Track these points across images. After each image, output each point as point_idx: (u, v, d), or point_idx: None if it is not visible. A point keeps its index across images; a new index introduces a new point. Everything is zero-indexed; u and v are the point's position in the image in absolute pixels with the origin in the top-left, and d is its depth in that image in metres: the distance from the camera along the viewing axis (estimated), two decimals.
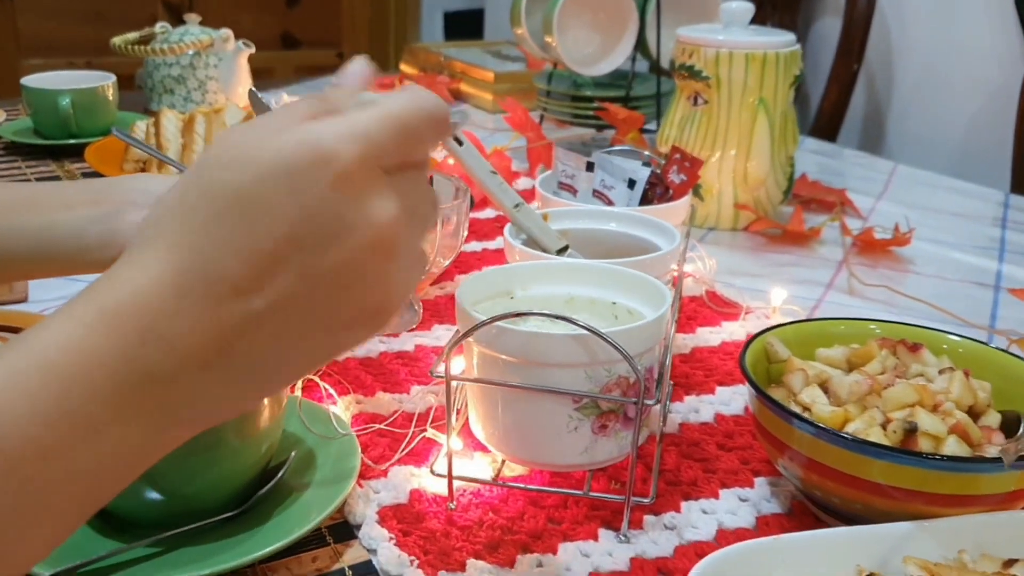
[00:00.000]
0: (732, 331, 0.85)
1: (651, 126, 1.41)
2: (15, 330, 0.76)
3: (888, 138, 1.84)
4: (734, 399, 0.73)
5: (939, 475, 0.51)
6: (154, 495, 0.53)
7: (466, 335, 0.56)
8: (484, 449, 0.61)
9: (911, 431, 0.53)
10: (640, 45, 1.38)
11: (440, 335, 0.82)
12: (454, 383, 0.58)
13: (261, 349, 0.35)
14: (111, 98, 1.38)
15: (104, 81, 1.36)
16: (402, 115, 0.36)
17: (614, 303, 0.65)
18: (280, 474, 0.57)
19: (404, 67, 2.00)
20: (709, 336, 0.84)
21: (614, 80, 1.43)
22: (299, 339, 0.36)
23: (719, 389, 0.74)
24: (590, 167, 0.84)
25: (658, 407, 0.64)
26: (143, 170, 1.16)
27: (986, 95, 1.68)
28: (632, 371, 0.55)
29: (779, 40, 1.08)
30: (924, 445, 0.53)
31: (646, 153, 0.92)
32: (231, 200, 0.34)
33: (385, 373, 0.75)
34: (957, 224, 1.20)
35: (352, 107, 0.36)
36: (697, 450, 0.66)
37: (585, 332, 0.53)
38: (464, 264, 0.97)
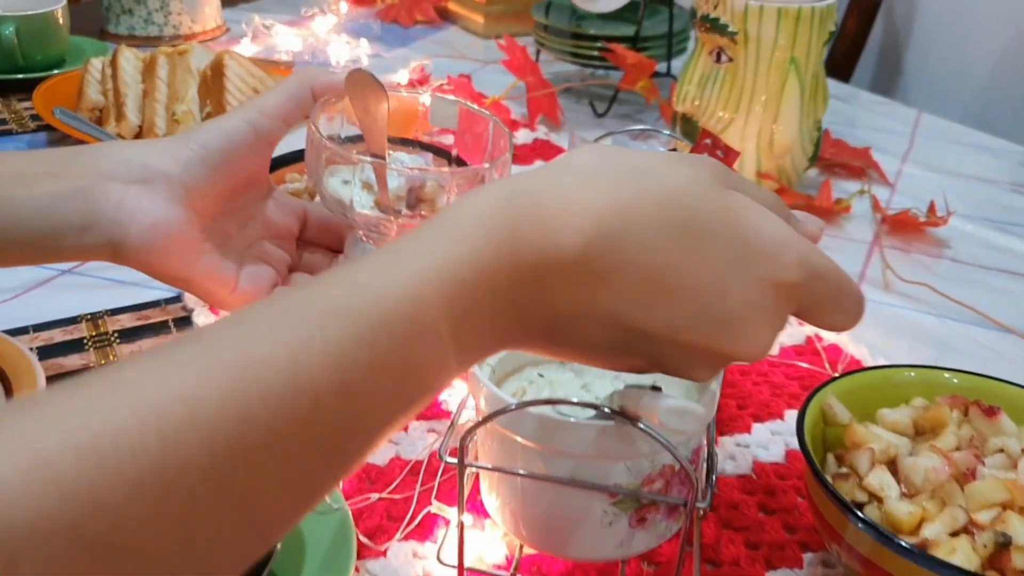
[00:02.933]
0: None
1: (660, 67, 1.29)
2: None
3: (906, 75, 1.73)
4: (773, 442, 0.65)
5: None
6: None
7: (488, 419, 0.46)
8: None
9: (1004, 545, 0.46)
10: None
11: None
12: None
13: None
14: (62, 23, 1.23)
15: (54, 5, 1.22)
16: (844, 284, 0.39)
17: None
18: (266, 571, 0.49)
19: None
20: None
21: (620, 14, 1.30)
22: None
23: (755, 427, 0.66)
24: None
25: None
26: (99, 120, 1.04)
27: (1014, 32, 1.56)
28: (678, 461, 0.46)
29: None
30: (1018, 561, 0.46)
31: (666, 132, 0.81)
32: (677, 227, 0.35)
33: None
34: (991, 193, 1.11)
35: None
36: (737, 516, 0.58)
37: (626, 421, 0.44)
38: None
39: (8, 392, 0.61)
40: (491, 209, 0.34)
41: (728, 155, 0.75)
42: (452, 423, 0.51)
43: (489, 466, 0.49)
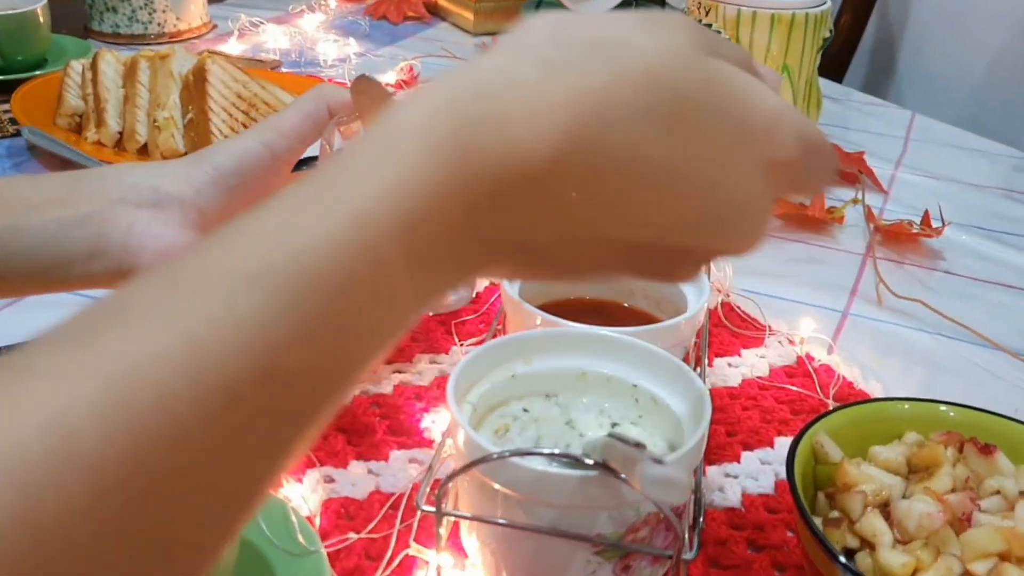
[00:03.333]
0: (753, 364, 0.75)
1: None
2: None
3: (900, 74, 1.71)
4: (763, 472, 0.63)
5: None
6: None
7: (467, 468, 0.45)
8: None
9: None
10: None
11: (423, 369, 0.71)
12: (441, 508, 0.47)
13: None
14: (43, 22, 1.21)
15: (34, 4, 1.19)
16: (825, 145, 0.33)
17: (635, 386, 0.54)
18: None
19: None
20: (728, 372, 0.74)
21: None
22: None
23: (744, 457, 0.65)
24: None
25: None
26: (79, 126, 1.01)
27: (1011, 31, 1.55)
28: (664, 513, 0.45)
29: None
30: None
31: None
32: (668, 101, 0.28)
33: (359, 431, 0.64)
34: (988, 200, 1.10)
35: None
36: (726, 554, 0.56)
37: (609, 473, 0.43)
38: None
39: None
40: (432, 117, 0.28)
41: None
42: (431, 467, 0.49)
43: (468, 515, 0.47)
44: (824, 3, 0.96)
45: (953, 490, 0.51)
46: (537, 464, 0.44)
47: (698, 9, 0.97)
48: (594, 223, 0.29)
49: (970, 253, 0.97)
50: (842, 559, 0.46)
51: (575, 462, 0.43)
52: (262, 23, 1.46)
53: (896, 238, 0.97)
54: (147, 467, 0.22)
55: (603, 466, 0.42)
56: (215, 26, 1.48)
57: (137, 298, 0.25)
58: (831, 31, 0.99)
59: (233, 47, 1.38)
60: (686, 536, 0.45)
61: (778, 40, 0.94)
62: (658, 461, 0.37)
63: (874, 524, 0.49)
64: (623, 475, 0.41)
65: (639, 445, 0.40)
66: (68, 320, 0.23)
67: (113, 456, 0.22)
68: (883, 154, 1.20)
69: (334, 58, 1.38)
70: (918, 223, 0.97)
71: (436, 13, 1.63)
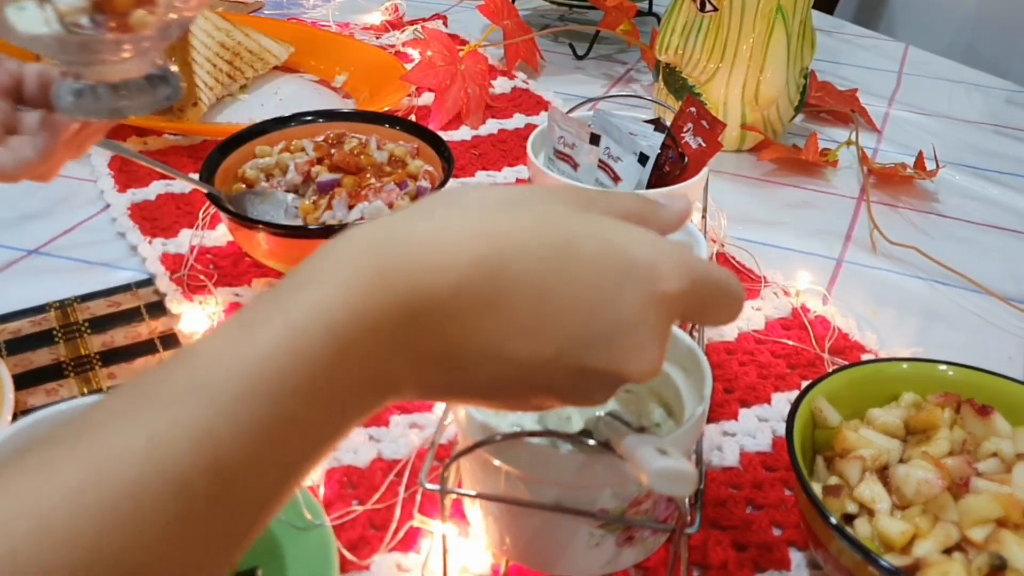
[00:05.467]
0: (750, 317, 0.75)
1: (642, 6, 1.25)
2: None
3: (892, 2, 1.68)
4: (760, 430, 0.64)
5: None
6: None
7: (472, 448, 0.45)
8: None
9: (999, 568, 0.45)
10: None
11: None
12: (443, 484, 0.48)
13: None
14: None
15: None
16: (723, 282, 0.37)
17: None
18: None
19: None
20: (724, 327, 0.74)
21: None
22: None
23: (742, 414, 0.65)
24: (595, 140, 0.70)
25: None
26: None
27: None
28: None
29: None
30: None
31: (649, 98, 0.78)
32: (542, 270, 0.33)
33: None
34: (981, 137, 1.09)
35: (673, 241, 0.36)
36: (725, 514, 0.57)
37: (613, 453, 0.43)
38: None
39: None
40: (357, 247, 0.32)
41: (713, 126, 0.72)
42: (433, 443, 0.49)
43: (472, 493, 0.48)
44: None
45: (951, 453, 0.52)
46: (540, 443, 0.44)
47: None
48: (501, 340, 0.33)
49: (963, 193, 0.97)
50: (842, 529, 0.46)
51: (578, 441, 0.44)
52: None
53: (890, 181, 0.97)
54: (114, 544, 0.26)
55: (605, 446, 0.42)
56: None
57: (112, 406, 0.29)
58: None
59: None
60: (687, 509, 0.46)
61: None
62: (662, 451, 0.37)
63: (872, 490, 0.50)
64: (624, 457, 0.41)
65: (641, 428, 0.40)
66: (64, 423, 0.28)
67: (85, 536, 0.26)
68: (876, 90, 1.19)
69: None
70: (912, 165, 0.96)
71: None
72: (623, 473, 0.44)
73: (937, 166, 0.95)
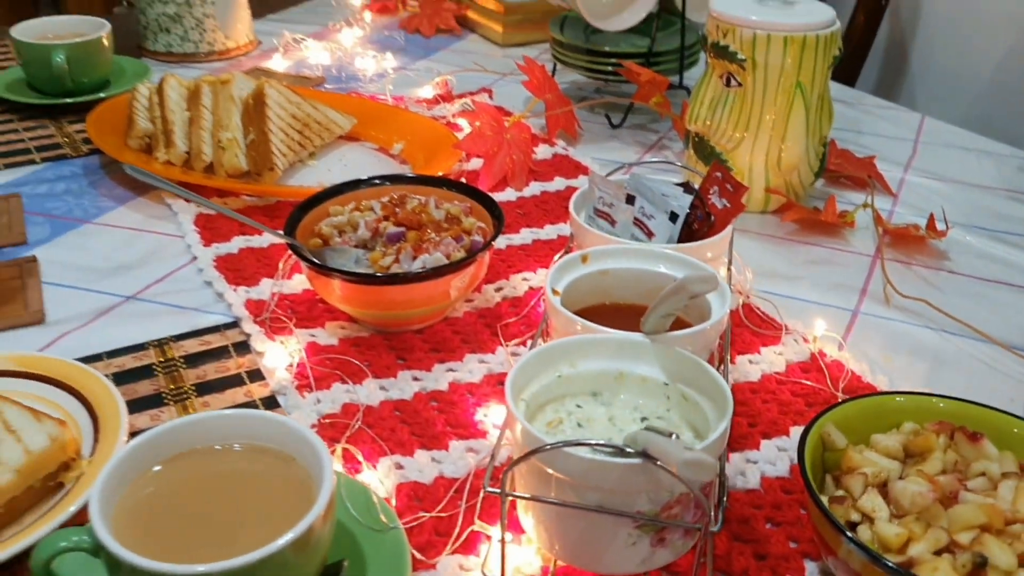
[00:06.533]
0: (772, 360, 0.83)
1: (673, 79, 1.35)
2: (35, 376, 0.73)
3: (911, 76, 1.78)
4: (779, 458, 0.72)
5: None
6: None
7: (526, 457, 0.53)
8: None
9: (981, 565, 0.52)
10: None
11: (473, 368, 0.80)
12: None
13: None
14: (107, 46, 1.30)
15: (99, 31, 1.28)
16: None
17: (666, 384, 0.62)
18: None
19: None
20: (749, 368, 0.82)
21: (633, 30, 1.35)
22: None
23: (764, 445, 0.73)
24: (631, 200, 0.79)
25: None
26: (149, 147, 1.10)
27: (1019, 34, 1.61)
28: (694, 493, 0.53)
29: (819, 20, 1.02)
30: None
31: (679, 164, 0.87)
32: None
33: (421, 423, 0.73)
34: (992, 201, 1.17)
35: None
36: (747, 530, 0.65)
37: (649, 460, 0.51)
38: (510, 260, 0.93)
39: (95, 420, 0.69)
40: None
41: (737, 189, 0.81)
42: (492, 456, 0.58)
43: (528, 496, 0.56)
44: (833, 24, 1.03)
45: (943, 472, 0.59)
46: (586, 453, 0.53)
47: (716, 31, 1.04)
48: None
49: (975, 253, 1.04)
50: (846, 531, 0.54)
51: (619, 451, 0.52)
52: (303, 39, 1.54)
53: (904, 240, 1.05)
54: None
55: (643, 454, 0.51)
56: (260, 43, 1.56)
57: None
58: (840, 49, 1.06)
59: (278, 63, 1.47)
60: (712, 512, 0.54)
61: (791, 59, 1.01)
62: (688, 448, 0.46)
63: (873, 501, 0.57)
64: (659, 461, 0.49)
65: (672, 435, 0.48)
66: None
67: None
68: (893, 157, 1.28)
69: (373, 73, 1.47)
70: (924, 226, 1.05)
71: (466, 26, 1.71)
72: (657, 480, 0.52)
73: (947, 226, 1.03)
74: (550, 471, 0.54)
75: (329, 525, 0.54)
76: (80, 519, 0.60)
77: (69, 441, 0.65)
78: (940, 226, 1.04)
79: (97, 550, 0.51)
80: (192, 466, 0.57)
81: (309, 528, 0.51)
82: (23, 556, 0.58)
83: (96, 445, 0.67)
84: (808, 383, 0.80)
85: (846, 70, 1.73)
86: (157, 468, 0.56)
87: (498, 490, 0.55)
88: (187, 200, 1.01)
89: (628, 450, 0.51)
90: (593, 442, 0.52)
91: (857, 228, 1.08)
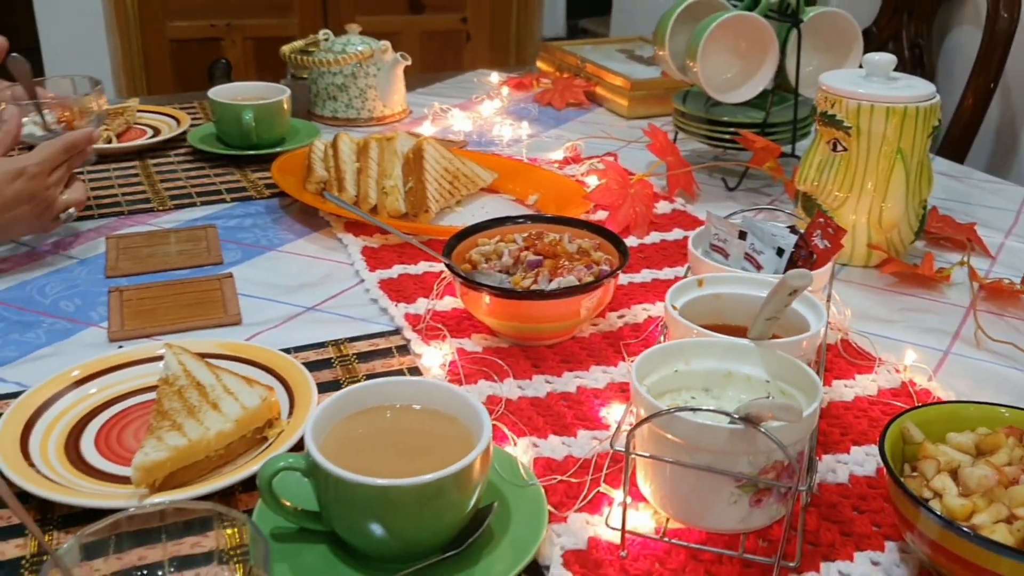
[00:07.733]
0: (865, 386, 0.93)
1: (786, 149, 1.47)
2: (240, 359, 0.89)
3: (1020, 155, 1.85)
4: (867, 461, 0.82)
5: None
6: (388, 537, 0.65)
7: (648, 419, 0.66)
8: (648, 500, 0.72)
9: None
10: (779, 73, 1.44)
11: (597, 376, 0.93)
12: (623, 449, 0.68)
13: None
14: (286, 108, 1.51)
15: (281, 95, 1.49)
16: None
17: (767, 381, 0.74)
18: (487, 521, 0.69)
19: (540, 64, 2.08)
20: (844, 390, 0.92)
21: (749, 101, 1.49)
22: None
23: (853, 449, 0.83)
24: (743, 235, 0.92)
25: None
26: (324, 190, 1.29)
27: None
28: (787, 457, 0.64)
29: (919, 93, 1.13)
30: None
31: (787, 210, 0.99)
32: None
33: (553, 415, 0.86)
34: None
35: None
36: (835, 512, 0.75)
37: (750, 425, 0.63)
38: (631, 295, 1.06)
39: (290, 395, 0.84)
40: None
41: (837, 232, 0.92)
42: (619, 425, 0.70)
43: (647, 454, 0.68)
44: (934, 97, 1.15)
45: (1009, 464, 0.69)
46: (697, 418, 0.65)
47: (825, 101, 1.17)
48: None
49: None
50: (920, 501, 0.64)
51: (726, 418, 0.64)
52: (449, 109, 1.73)
53: (998, 294, 1.13)
54: None
55: (746, 419, 0.62)
56: (411, 111, 1.76)
57: None
58: (939, 120, 1.17)
59: (427, 129, 1.66)
60: (801, 473, 0.64)
61: (892, 128, 1.13)
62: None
63: (943, 481, 0.67)
64: (761, 425, 0.61)
65: (768, 396, 0.60)
66: None
67: None
68: (996, 225, 1.36)
69: (509, 138, 1.64)
70: (1018, 282, 1.13)
71: (594, 100, 1.88)
72: (756, 445, 0.64)
73: None
74: (668, 435, 0.66)
75: (485, 470, 0.68)
76: None
77: (274, 403, 0.81)
78: None
79: (309, 471, 0.65)
80: (379, 417, 0.71)
81: (470, 465, 0.64)
82: (235, 487, 0.73)
83: (292, 411, 0.82)
84: (898, 403, 0.90)
85: (955, 149, 1.81)
86: (352, 417, 0.71)
87: (623, 448, 0.67)
88: (367, 223, 1.17)
89: (733, 416, 0.63)
90: (704, 407, 0.65)
91: (953, 283, 1.17)
